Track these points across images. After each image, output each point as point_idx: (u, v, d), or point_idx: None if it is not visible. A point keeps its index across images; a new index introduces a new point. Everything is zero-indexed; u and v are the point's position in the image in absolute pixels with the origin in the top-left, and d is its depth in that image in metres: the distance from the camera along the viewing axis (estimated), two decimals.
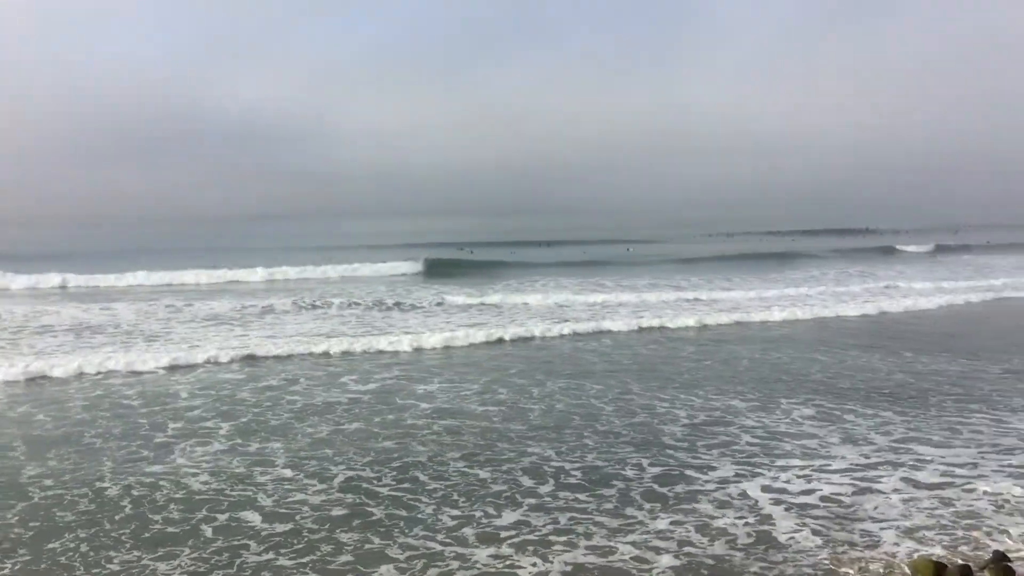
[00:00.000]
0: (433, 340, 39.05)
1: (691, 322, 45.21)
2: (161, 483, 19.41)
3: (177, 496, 18.53)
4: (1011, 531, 16.17)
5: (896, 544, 15.67)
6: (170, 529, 16.59)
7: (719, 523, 16.96)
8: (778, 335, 42.50)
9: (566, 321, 46.31)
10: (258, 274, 75.27)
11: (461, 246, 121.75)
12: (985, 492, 18.51)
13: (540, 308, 51.87)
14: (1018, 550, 15.19)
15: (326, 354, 37.03)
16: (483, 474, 20.25)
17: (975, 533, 16.17)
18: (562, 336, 42.24)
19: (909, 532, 16.33)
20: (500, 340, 40.47)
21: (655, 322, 44.87)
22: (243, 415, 26.30)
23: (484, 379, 32.14)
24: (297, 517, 17.32)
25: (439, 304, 53.10)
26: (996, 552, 14.69)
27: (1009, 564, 14.24)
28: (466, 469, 20.61)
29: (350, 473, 20.35)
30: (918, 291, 60.38)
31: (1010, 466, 20.62)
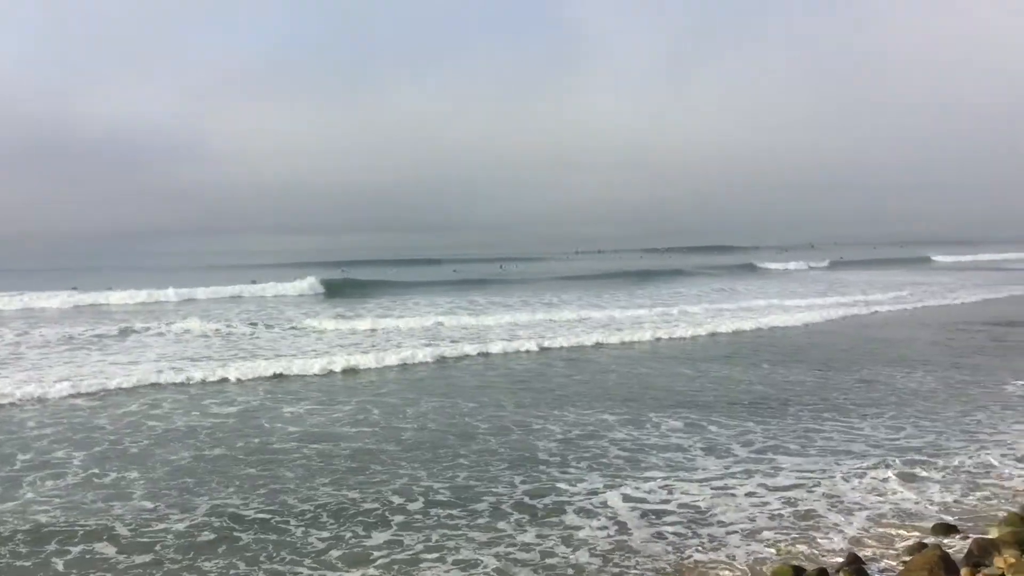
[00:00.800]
0: (307, 365, 38.46)
1: (564, 342, 46.22)
2: (6, 518, 18.56)
3: (24, 528, 17.77)
4: (844, 530, 17.60)
5: (737, 547, 16.71)
6: (18, 563, 15.93)
7: (582, 534, 17.68)
8: (645, 352, 44.18)
9: (441, 341, 46.74)
10: (125, 296, 71.97)
11: (342, 265, 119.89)
12: (824, 494, 20.04)
13: (417, 330, 51.86)
14: (847, 550, 16.57)
15: (191, 380, 35.97)
16: (353, 495, 20.32)
17: (813, 533, 17.49)
18: (443, 358, 42.00)
19: (753, 534, 17.46)
20: (379, 363, 40.07)
21: (531, 345, 45.20)
22: (99, 444, 25.36)
23: (356, 399, 32.09)
24: (157, 547, 16.94)
25: (314, 326, 52.25)
26: (850, 554, 15.91)
27: (863, 566, 15.49)
28: (335, 491, 20.62)
29: (216, 499, 20.01)
30: (779, 307, 63.70)
31: (857, 469, 22.33)
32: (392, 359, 40.34)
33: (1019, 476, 21.56)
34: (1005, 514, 18.02)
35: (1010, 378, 35.56)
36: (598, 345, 46.44)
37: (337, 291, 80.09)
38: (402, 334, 50.06)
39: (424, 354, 41.60)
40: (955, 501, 19.66)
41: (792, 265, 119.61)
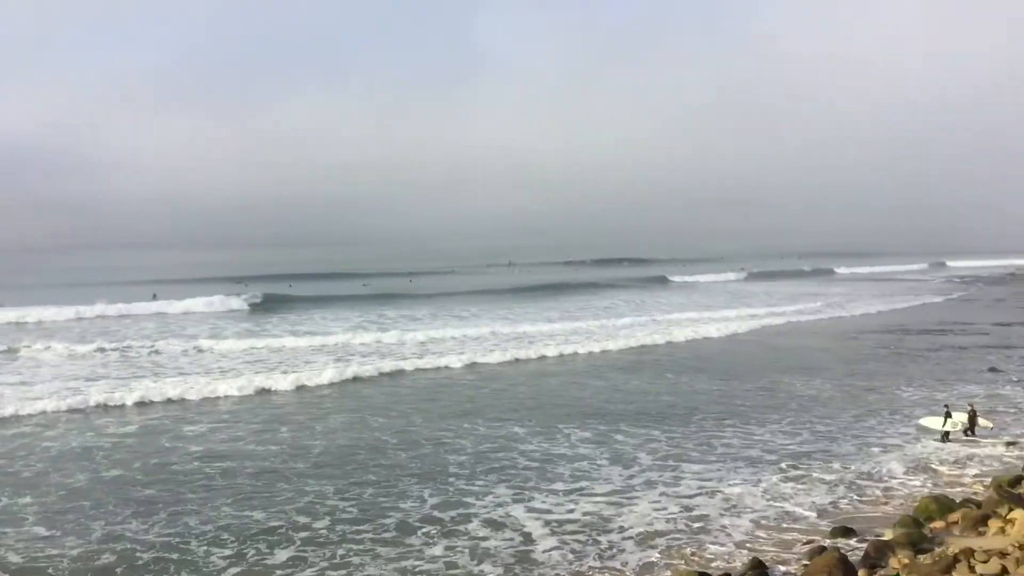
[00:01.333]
0: (212, 385, 37.36)
1: (476, 357, 45.77)
2: None
3: None
4: (741, 536, 18.47)
5: (631, 553, 17.42)
6: None
7: (488, 544, 18.01)
8: (556, 366, 44.73)
9: (352, 356, 46.52)
10: (14, 315, 67.99)
11: (244, 280, 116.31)
12: (722, 500, 20.96)
13: (328, 346, 51.14)
14: (732, 554, 17.33)
15: (88, 401, 34.74)
16: (257, 514, 20.14)
17: (706, 537, 18.37)
18: (356, 377, 40.76)
19: (648, 540, 18.19)
20: (292, 384, 38.56)
21: (443, 361, 44.51)
22: None
23: (263, 417, 31.69)
24: (50, 571, 16.52)
25: (214, 347, 50.70)
26: (754, 559, 16.60)
27: (766, 571, 16.22)
28: (237, 511, 20.41)
29: (113, 523, 19.56)
30: (690, 320, 65.11)
31: (753, 475, 23.31)
32: (303, 377, 39.32)
33: (909, 480, 22.93)
34: (900, 516, 19.12)
35: (903, 384, 37.56)
36: (513, 361, 46.23)
37: (247, 307, 78.30)
38: (312, 351, 49.39)
39: (332, 374, 40.23)
40: (849, 504, 20.75)
41: (704, 278, 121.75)
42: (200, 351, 48.79)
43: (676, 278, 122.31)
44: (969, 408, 27.97)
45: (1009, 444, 26.67)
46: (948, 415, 27.40)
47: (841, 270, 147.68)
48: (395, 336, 54.26)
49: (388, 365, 43.35)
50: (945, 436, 27.20)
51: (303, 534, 18.71)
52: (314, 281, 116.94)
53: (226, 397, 35.99)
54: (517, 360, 46.42)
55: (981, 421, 27.75)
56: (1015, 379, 38.64)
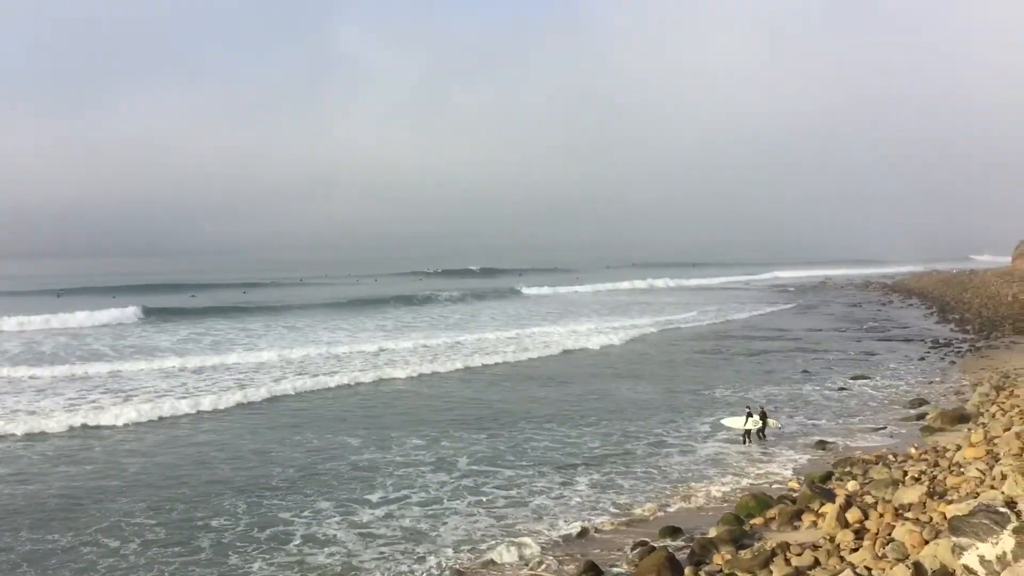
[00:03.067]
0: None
1: (301, 385, 40.71)
2: None
3: None
4: (530, 541, 18.66)
5: (449, 559, 17.57)
6: None
7: (310, 560, 17.05)
8: (396, 385, 43.44)
9: (183, 373, 43.85)
10: None
11: (57, 291, 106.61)
12: (534, 506, 21.39)
13: (154, 371, 46.50)
14: (562, 559, 17.64)
15: None
16: (61, 538, 18.30)
17: (513, 538, 18.68)
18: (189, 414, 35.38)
19: (460, 543, 18.42)
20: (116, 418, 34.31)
21: (261, 392, 39.02)
22: None
23: (71, 438, 29.28)
24: None
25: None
26: (587, 562, 16.61)
27: (600, 573, 16.14)
28: (38, 536, 18.51)
29: None
30: (536, 335, 64.82)
31: (560, 478, 23.88)
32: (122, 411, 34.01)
33: (719, 478, 23.71)
34: (723, 514, 19.62)
35: (720, 385, 39.25)
36: (350, 385, 41.79)
37: (172, 317, 72.03)
38: (160, 375, 44.42)
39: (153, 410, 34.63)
40: (666, 504, 21.08)
41: (546, 290, 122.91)
42: None
43: (530, 290, 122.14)
44: (760, 409, 29.51)
45: (820, 443, 27.82)
46: (749, 415, 28.80)
47: (665, 282, 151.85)
48: (219, 359, 48.41)
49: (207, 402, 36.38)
50: (747, 435, 28.61)
51: (108, 561, 17.23)
52: (140, 293, 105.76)
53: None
54: (354, 384, 41.39)
55: (770, 421, 29.37)
56: (821, 380, 41.12)
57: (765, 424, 28.73)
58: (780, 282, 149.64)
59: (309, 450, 27.26)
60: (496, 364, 47.04)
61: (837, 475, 23.05)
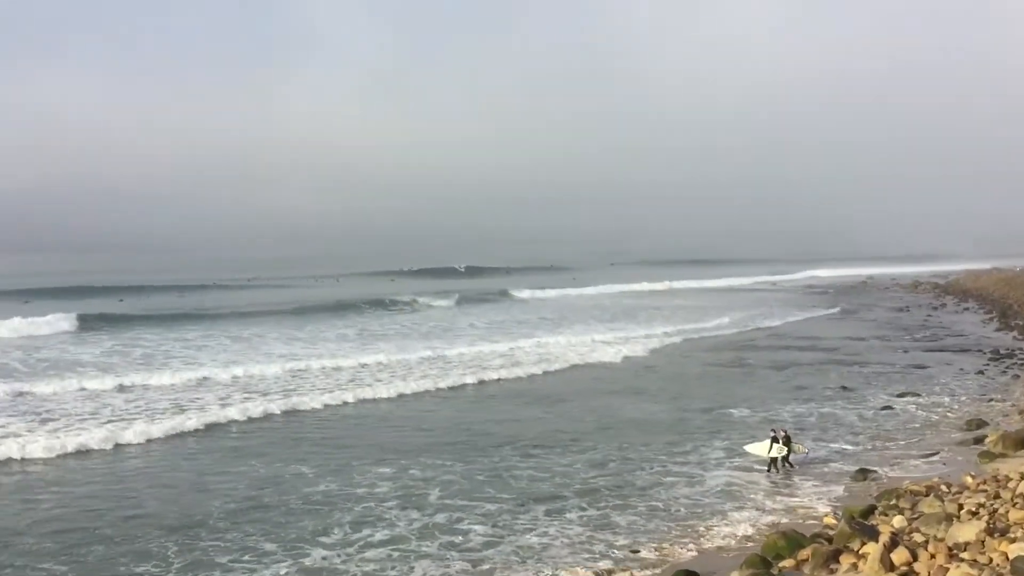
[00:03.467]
0: None
1: (254, 406, 40.10)
2: None
3: None
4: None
5: None
6: None
7: None
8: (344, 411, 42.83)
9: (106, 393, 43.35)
10: None
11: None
12: (510, 543, 21.49)
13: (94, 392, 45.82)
14: None
15: None
16: None
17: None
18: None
19: None
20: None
21: (200, 416, 38.16)
22: None
23: None
24: None
25: None
26: None
27: None
28: None
29: None
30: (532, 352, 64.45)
31: (545, 516, 23.80)
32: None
33: (739, 513, 23.83)
34: (746, 556, 19.66)
35: (742, 405, 39.51)
36: (303, 408, 40.68)
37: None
38: (81, 398, 42.87)
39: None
40: (680, 545, 20.89)
41: (543, 293, 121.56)
42: None
43: (522, 293, 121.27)
44: (783, 432, 29.11)
45: (861, 472, 27.66)
46: (775, 440, 28.58)
47: (680, 283, 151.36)
48: (146, 377, 46.92)
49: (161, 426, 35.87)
50: (772, 463, 28.42)
51: None
52: (65, 298, 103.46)
53: None
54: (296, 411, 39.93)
55: (796, 446, 29.11)
56: (861, 398, 41.11)
57: (790, 450, 28.57)
58: (814, 282, 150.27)
59: (254, 481, 27.07)
60: (481, 383, 46.56)
61: (881, 509, 22.86)
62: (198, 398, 41.23)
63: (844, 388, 43.38)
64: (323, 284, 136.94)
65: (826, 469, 28.50)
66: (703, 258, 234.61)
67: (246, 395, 41.84)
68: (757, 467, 28.36)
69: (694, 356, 56.59)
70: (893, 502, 23.41)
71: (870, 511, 22.87)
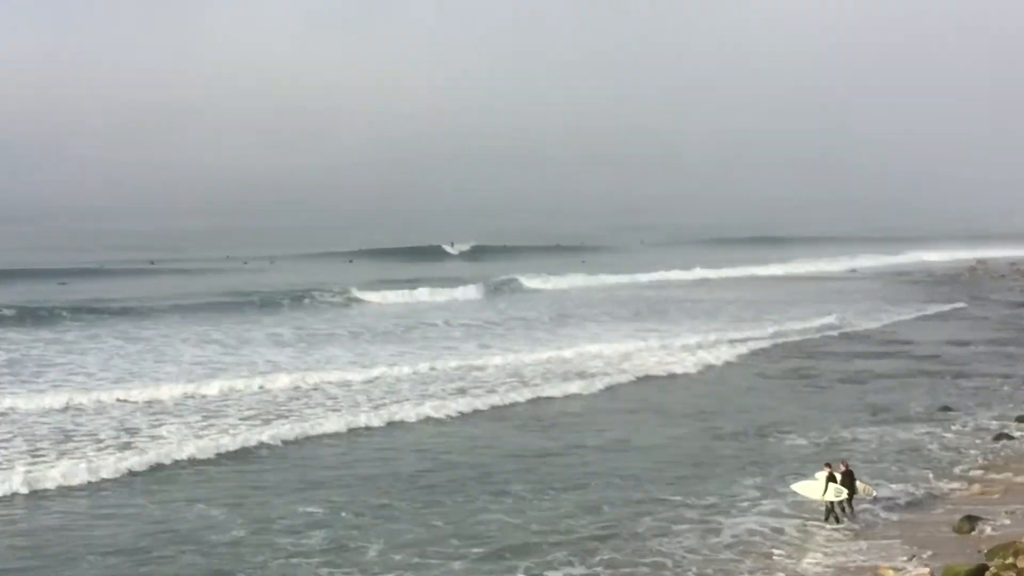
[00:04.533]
0: None
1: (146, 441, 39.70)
2: None
3: None
4: None
5: None
6: None
7: None
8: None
9: None
10: None
11: None
12: None
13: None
14: None
15: None
16: None
17: None
18: None
19: None
20: None
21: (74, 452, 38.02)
22: None
23: None
24: None
25: None
26: None
27: None
28: None
29: None
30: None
31: None
32: None
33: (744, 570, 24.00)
34: None
35: (790, 424, 40.19)
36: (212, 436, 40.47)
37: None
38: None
39: None
40: None
41: (551, 284, 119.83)
42: None
43: (534, 283, 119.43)
44: (841, 467, 28.70)
45: (967, 520, 27.31)
46: (831, 478, 28.20)
47: (735, 271, 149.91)
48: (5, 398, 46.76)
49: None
50: (830, 511, 28.18)
51: None
52: None
53: None
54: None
55: (859, 486, 28.69)
56: (965, 422, 41.01)
57: (852, 492, 28.22)
58: (906, 268, 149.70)
59: (144, 526, 27.48)
60: (450, 419, 44.45)
61: (993, 569, 22.79)
62: (73, 425, 40.60)
63: (943, 409, 43.15)
64: (253, 268, 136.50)
65: (910, 517, 28.40)
66: (755, 236, 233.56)
67: (130, 432, 40.13)
68: (806, 515, 28.23)
69: (742, 366, 56.75)
70: (1009, 560, 23.21)
71: (980, 572, 22.76)
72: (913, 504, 29.50)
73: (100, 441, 37.86)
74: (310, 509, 29.02)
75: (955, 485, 31.41)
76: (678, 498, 29.99)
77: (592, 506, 29.27)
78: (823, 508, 28.01)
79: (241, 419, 42.09)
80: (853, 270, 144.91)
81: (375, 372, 53.68)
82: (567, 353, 60.40)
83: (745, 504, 29.40)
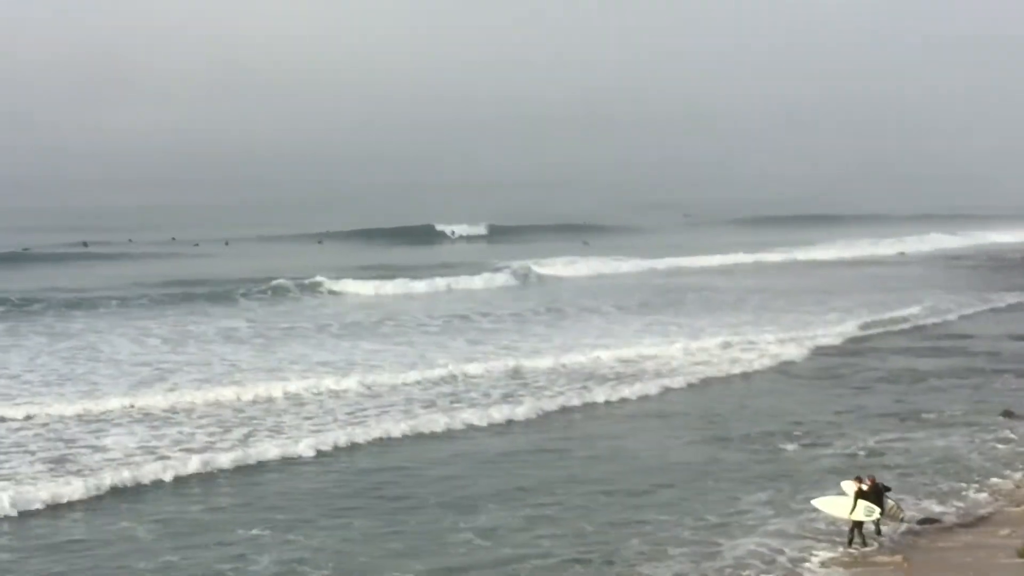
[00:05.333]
0: None
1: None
2: None
3: None
4: None
5: None
6: None
7: None
8: None
9: None
10: None
11: None
12: None
13: None
14: None
15: None
16: None
17: None
18: None
19: None
20: None
21: None
22: None
23: None
24: None
25: None
26: None
27: None
28: None
29: None
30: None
31: None
32: None
33: None
34: None
35: (820, 429, 40.90)
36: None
37: None
38: None
39: None
40: None
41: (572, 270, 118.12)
42: None
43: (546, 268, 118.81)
44: (868, 482, 28.46)
45: None
46: (861, 493, 28.00)
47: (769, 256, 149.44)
48: None
49: None
50: (855, 531, 28.05)
51: None
52: None
53: None
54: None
55: (888, 503, 28.48)
56: None
57: (883, 509, 28.06)
58: (964, 251, 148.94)
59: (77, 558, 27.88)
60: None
61: None
62: None
63: (1005, 414, 43.01)
64: (206, 251, 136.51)
65: (964, 539, 28.08)
66: (794, 214, 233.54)
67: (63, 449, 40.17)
68: (823, 537, 28.45)
69: (774, 372, 56.36)
70: None
71: None
72: (965, 525, 29.27)
73: (32, 460, 37.57)
74: (259, 533, 29.45)
75: (1013, 502, 31.26)
76: (665, 516, 30.35)
77: (571, 527, 29.61)
78: (847, 529, 27.86)
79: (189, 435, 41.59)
80: (903, 254, 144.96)
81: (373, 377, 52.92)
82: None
83: (752, 523, 29.62)
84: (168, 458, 37.75)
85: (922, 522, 29.59)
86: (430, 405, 46.91)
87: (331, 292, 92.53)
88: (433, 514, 31.35)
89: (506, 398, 48.25)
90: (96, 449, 38.83)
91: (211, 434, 41.52)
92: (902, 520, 29.05)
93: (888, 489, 28.51)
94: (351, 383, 52.43)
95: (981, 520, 29.84)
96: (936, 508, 30.75)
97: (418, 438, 41.71)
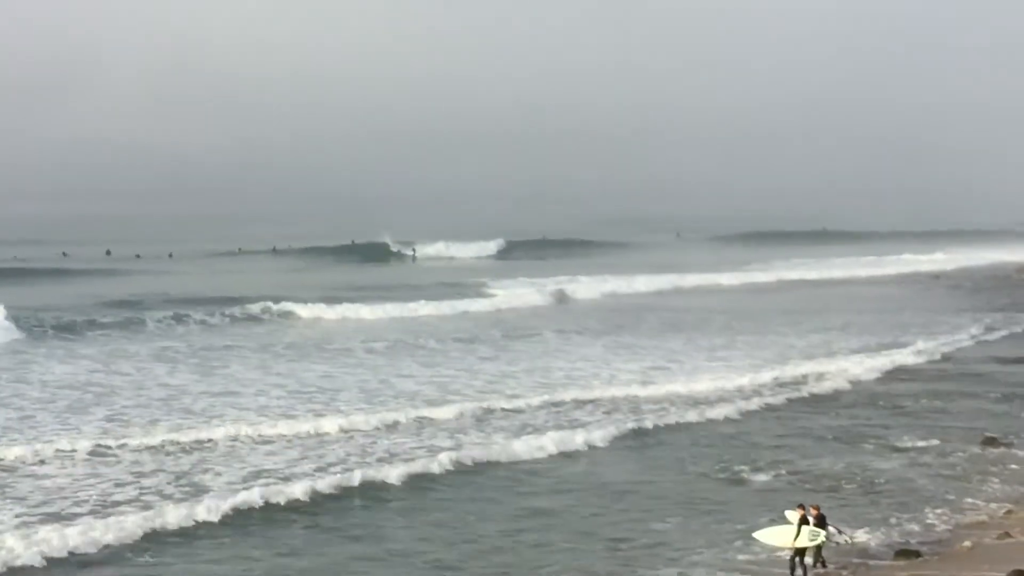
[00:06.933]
0: None
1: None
2: None
3: None
4: None
5: None
6: None
7: None
8: None
9: None
10: None
11: None
12: None
13: None
14: None
15: None
16: None
17: None
18: None
19: None
20: None
21: None
22: None
23: None
24: None
25: None
26: None
27: None
28: None
29: None
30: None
31: None
32: None
33: None
34: None
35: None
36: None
37: None
38: None
39: None
40: None
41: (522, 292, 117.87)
42: None
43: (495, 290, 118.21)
44: (814, 511, 29.22)
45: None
46: (804, 520, 28.62)
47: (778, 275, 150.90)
48: None
49: None
50: (797, 560, 28.65)
51: None
52: None
53: None
54: None
55: (829, 530, 29.22)
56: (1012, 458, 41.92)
57: (827, 534, 28.70)
58: (982, 269, 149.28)
59: None
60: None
61: None
62: None
63: (986, 442, 43.62)
64: (148, 265, 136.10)
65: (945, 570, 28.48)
66: (801, 229, 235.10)
67: None
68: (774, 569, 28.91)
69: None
70: None
71: None
72: (943, 558, 29.79)
73: None
74: None
75: (992, 533, 31.79)
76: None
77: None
78: (791, 560, 28.18)
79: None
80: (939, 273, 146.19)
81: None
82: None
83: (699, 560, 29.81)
84: None
85: (898, 555, 29.91)
86: None
87: (291, 314, 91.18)
88: None
89: None
90: None
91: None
92: (849, 542, 30.07)
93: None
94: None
95: (957, 553, 30.28)
96: (912, 540, 31.19)
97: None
